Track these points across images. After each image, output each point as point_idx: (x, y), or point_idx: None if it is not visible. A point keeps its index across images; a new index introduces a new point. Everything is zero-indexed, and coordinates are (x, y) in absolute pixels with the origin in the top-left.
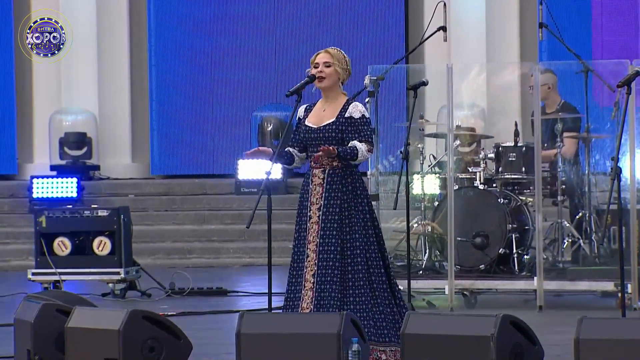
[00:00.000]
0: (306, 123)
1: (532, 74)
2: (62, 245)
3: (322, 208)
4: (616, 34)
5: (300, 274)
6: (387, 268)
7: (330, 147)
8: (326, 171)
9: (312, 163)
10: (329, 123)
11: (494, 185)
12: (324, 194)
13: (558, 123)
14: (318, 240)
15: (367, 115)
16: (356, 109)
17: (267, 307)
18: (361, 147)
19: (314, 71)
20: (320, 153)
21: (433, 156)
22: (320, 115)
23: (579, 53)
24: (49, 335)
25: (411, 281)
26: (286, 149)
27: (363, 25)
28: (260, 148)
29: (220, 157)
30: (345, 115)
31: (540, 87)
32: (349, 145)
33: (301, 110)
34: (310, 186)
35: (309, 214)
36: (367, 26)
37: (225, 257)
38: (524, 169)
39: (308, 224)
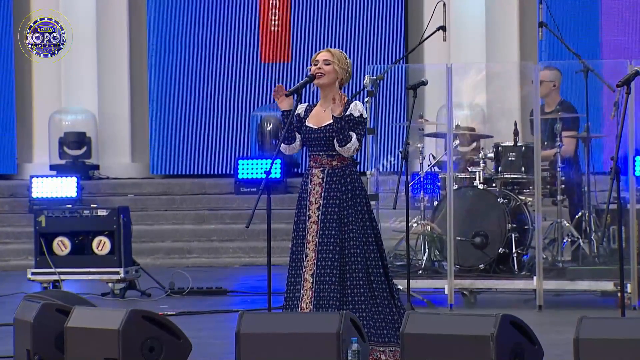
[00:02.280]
0: (306, 124)
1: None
2: (62, 245)
3: (321, 207)
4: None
5: (299, 273)
6: (386, 268)
7: (340, 108)
8: (325, 171)
9: (312, 163)
10: (330, 123)
11: (494, 184)
12: (323, 194)
13: (557, 122)
14: (317, 239)
15: (365, 115)
16: (356, 108)
17: (266, 306)
18: (354, 138)
19: (313, 69)
20: (334, 103)
21: (433, 156)
22: (321, 116)
23: (579, 52)
24: (49, 335)
25: (411, 281)
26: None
27: (363, 25)
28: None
29: (220, 157)
30: (346, 114)
31: (546, 83)
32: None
33: (301, 108)
34: (309, 186)
35: (308, 213)
36: (367, 26)
37: (225, 257)
38: (523, 168)
39: (307, 224)
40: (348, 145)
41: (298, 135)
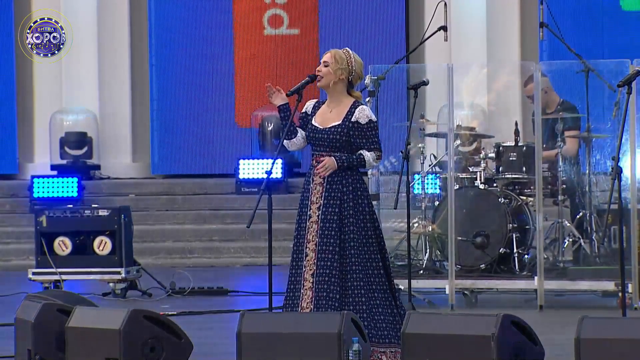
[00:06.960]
0: (312, 122)
1: (526, 85)
2: (63, 245)
3: (321, 207)
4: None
5: (299, 273)
6: (387, 269)
7: (328, 163)
8: None
9: (314, 162)
10: (335, 125)
11: (495, 184)
12: (324, 194)
13: (559, 122)
14: (317, 239)
15: (374, 119)
16: (363, 114)
17: (267, 306)
18: (369, 156)
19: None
20: (322, 167)
21: (434, 156)
22: (327, 116)
23: (580, 52)
24: (50, 335)
25: (412, 281)
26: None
27: (364, 25)
28: (280, 92)
29: (221, 157)
30: (352, 120)
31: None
32: (357, 153)
33: (309, 105)
34: (311, 185)
35: (308, 213)
36: (368, 26)
37: (226, 257)
38: (524, 168)
39: (308, 223)
40: (366, 165)
41: (300, 131)
